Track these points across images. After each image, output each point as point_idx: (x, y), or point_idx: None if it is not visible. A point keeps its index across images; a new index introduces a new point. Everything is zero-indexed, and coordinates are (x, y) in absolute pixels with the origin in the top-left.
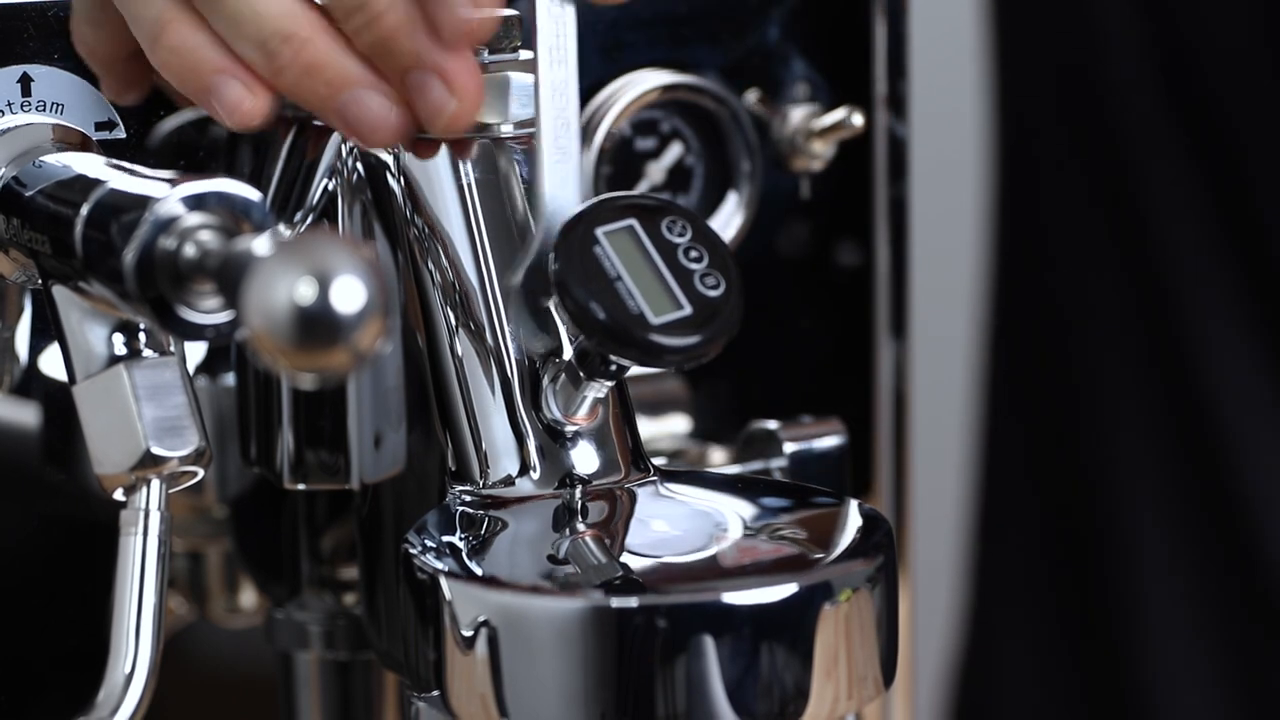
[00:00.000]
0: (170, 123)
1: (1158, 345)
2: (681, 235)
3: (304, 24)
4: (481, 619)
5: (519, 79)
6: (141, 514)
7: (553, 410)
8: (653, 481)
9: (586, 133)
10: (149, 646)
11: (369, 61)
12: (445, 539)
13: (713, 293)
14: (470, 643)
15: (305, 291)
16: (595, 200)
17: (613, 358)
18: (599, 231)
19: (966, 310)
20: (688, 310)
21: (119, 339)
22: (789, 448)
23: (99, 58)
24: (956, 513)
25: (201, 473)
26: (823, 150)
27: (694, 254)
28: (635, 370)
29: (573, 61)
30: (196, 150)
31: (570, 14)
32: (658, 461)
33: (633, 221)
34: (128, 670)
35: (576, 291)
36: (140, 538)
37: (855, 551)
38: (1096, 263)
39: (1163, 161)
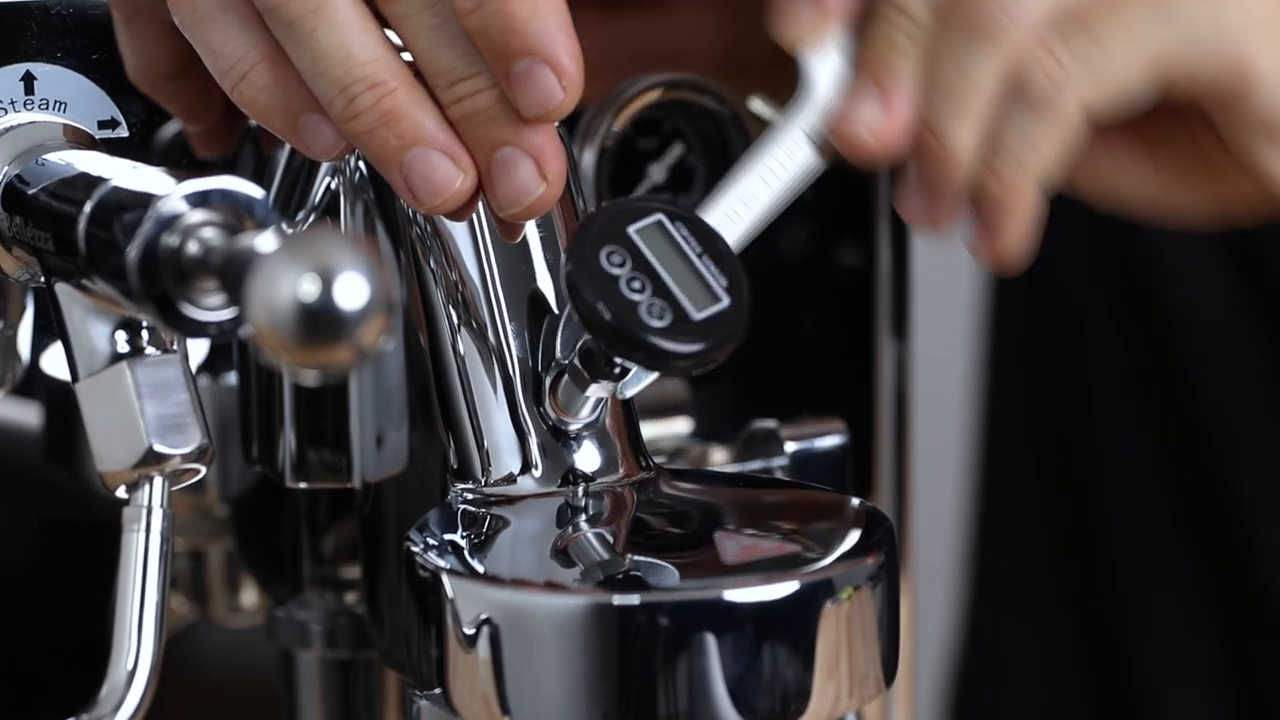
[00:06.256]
0: (174, 121)
1: (1155, 346)
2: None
3: (393, 73)
4: (484, 617)
5: None
6: (144, 511)
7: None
8: (654, 480)
9: (588, 133)
10: (151, 644)
11: (451, 127)
12: (447, 537)
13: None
14: (472, 640)
15: (308, 288)
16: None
17: (618, 360)
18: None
19: (967, 310)
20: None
21: (121, 336)
22: (790, 447)
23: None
24: (957, 512)
25: (204, 470)
26: None
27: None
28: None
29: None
30: None
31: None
32: (658, 460)
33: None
34: (129, 668)
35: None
36: (143, 535)
37: (857, 550)
38: (1093, 262)
39: None
